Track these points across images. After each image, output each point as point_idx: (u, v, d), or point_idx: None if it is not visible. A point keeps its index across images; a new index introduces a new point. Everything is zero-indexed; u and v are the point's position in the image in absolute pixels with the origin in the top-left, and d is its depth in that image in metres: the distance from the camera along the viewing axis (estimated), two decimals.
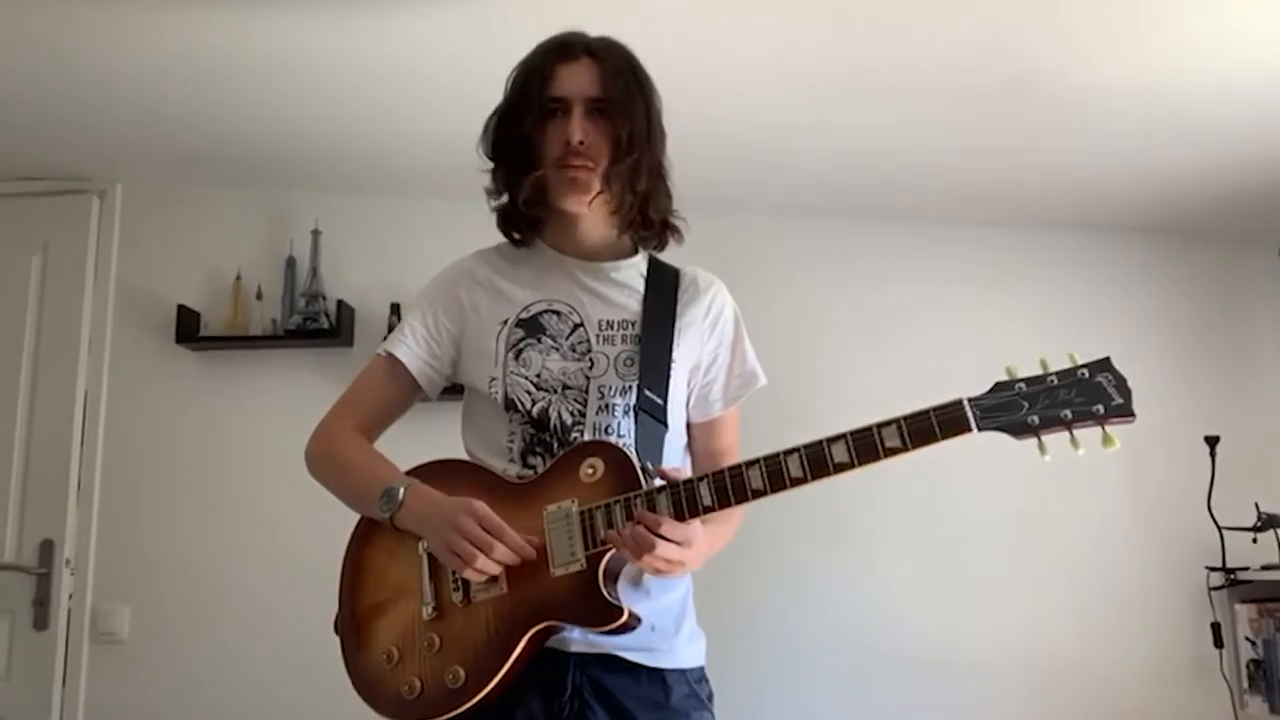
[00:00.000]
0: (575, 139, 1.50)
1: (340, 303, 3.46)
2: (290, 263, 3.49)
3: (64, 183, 3.49)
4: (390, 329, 3.42)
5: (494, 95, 1.61)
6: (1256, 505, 3.49)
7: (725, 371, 1.65)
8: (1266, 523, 3.45)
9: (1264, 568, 3.49)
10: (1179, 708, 3.54)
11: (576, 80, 1.52)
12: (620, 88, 1.52)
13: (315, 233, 3.48)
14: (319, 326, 3.41)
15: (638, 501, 1.38)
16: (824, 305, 3.69)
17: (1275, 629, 3.45)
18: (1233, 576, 3.53)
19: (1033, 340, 3.47)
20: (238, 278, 3.48)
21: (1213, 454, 3.55)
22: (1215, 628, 3.56)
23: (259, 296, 3.48)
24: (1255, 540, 3.49)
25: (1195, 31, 2.56)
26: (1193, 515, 3.53)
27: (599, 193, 1.54)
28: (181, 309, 3.42)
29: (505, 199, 1.61)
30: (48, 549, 3.25)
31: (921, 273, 3.76)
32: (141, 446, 3.41)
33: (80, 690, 3.23)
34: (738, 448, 1.69)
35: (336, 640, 1.53)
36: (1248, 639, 3.55)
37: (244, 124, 3.09)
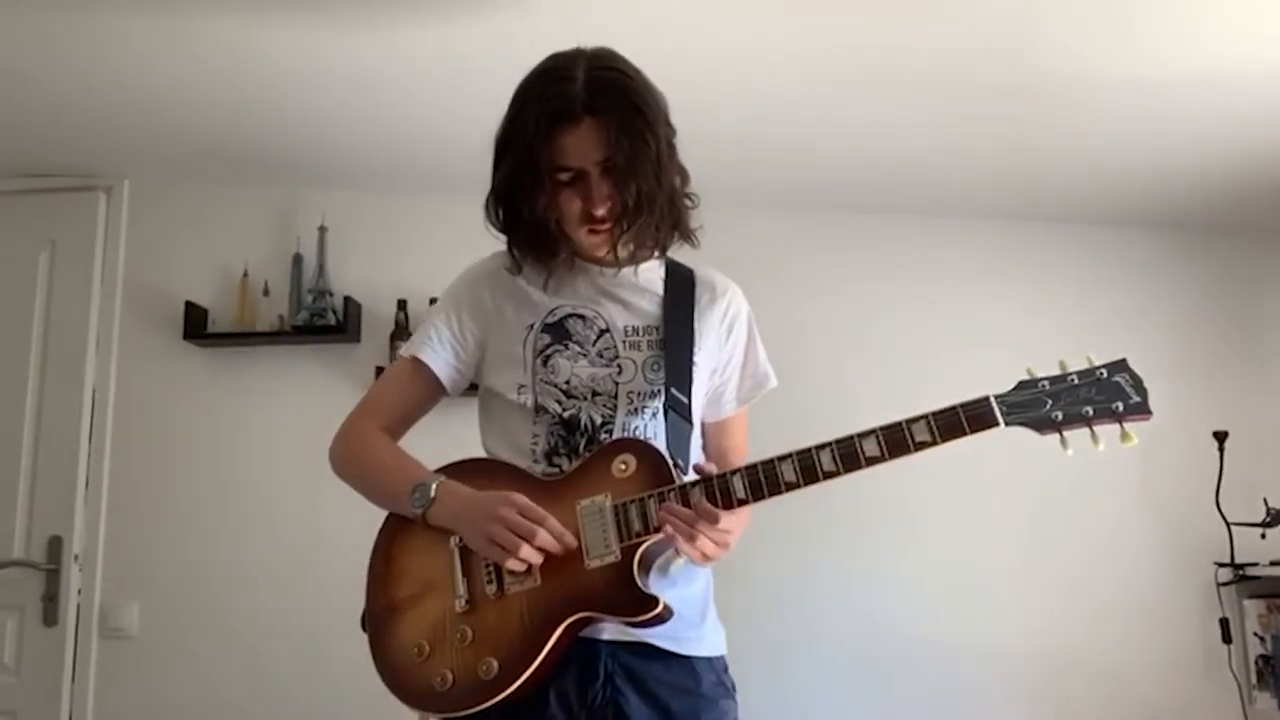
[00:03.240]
0: (599, 211, 1.49)
1: (347, 299, 3.47)
2: (297, 259, 3.50)
3: (71, 179, 3.50)
4: (397, 325, 3.43)
5: (495, 94, 1.57)
6: (1265, 501, 3.49)
7: (739, 373, 1.68)
8: (1275, 518, 3.45)
9: (1272, 563, 3.48)
10: (1188, 703, 3.53)
11: (583, 148, 1.46)
12: (625, 150, 1.45)
13: (322, 229, 3.49)
14: (326, 323, 3.41)
15: (672, 495, 1.41)
16: (833, 299, 3.69)
17: None
18: (1241, 572, 3.52)
19: (1045, 335, 3.52)
20: (245, 274, 3.48)
21: (1221, 449, 3.55)
22: (1224, 623, 3.56)
23: (266, 293, 3.48)
24: (1264, 536, 3.48)
25: (1209, 30, 2.55)
26: (1201, 511, 3.53)
27: (617, 246, 1.55)
28: (189, 305, 3.43)
29: (524, 261, 1.61)
30: (56, 545, 3.26)
31: (933, 267, 3.76)
32: (149, 443, 3.42)
33: (89, 686, 3.25)
34: (747, 446, 1.72)
35: (365, 637, 1.54)
36: (1256, 635, 3.54)
37: (250, 122, 3.09)
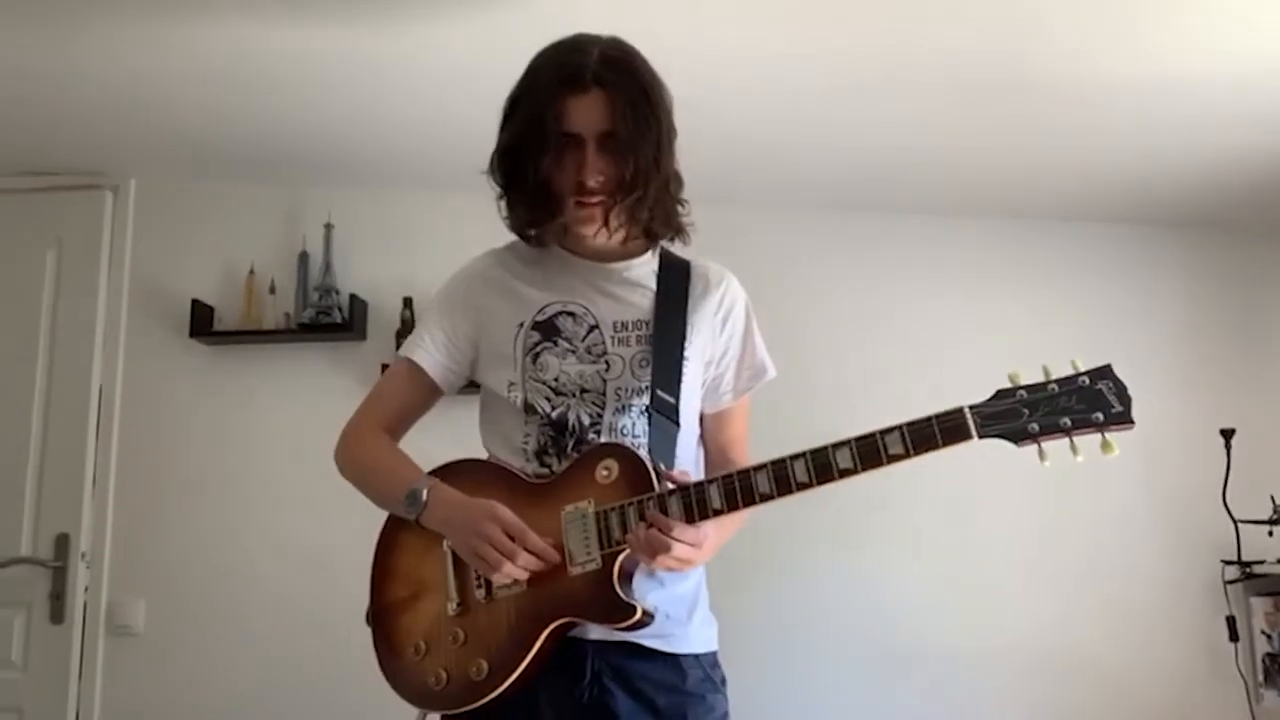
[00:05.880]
0: (590, 181, 1.51)
1: (353, 296, 3.47)
2: (303, 257, 3.50)
3: (78, 177, 3.50)
4: (403, 322, 3.43)
5: (501, 91, 1.58)
6: (1272, 498, 3.49)
7: (736, 364, 1.68)
8: None
9: (1279, 561, 3.48)
10: (1194, 702, 3.53)
11: (588, 115, 1.49)
12: (629, 123, 1.48)
13: (328, 226, 3.49)
14: (332, 320, 3.42)
15: (650, 504, 1.42)
16: (825, 298, 3.68)
17: None
18: (1248, 570, 3.52)
19: (1048, 335, 3.52)
20: (251, 272, 3.49)
21: (1228, 447, 3.54)
22: (1230, 621, 3.55)
23: (272, 290, 3.49)
24: (1271, 533, 3.47)
25: (1214, 26, 2.55)
26: (1208, 509, 3.52)
27: (609, 222, 1.56)
28: (195, 303, 3.44)
29: (521, 223, 1.61)
30: (63, 542, 3.26)
31: (928, 267, 3.76)
32: (156, 440, 3.42)
33: (96, 683, 3.25)
34: (747, 438, 1.72)
35: (369, 632, 1.59)
36: (1263, 632, 3.54)
37: (256, 120, 3.10)
